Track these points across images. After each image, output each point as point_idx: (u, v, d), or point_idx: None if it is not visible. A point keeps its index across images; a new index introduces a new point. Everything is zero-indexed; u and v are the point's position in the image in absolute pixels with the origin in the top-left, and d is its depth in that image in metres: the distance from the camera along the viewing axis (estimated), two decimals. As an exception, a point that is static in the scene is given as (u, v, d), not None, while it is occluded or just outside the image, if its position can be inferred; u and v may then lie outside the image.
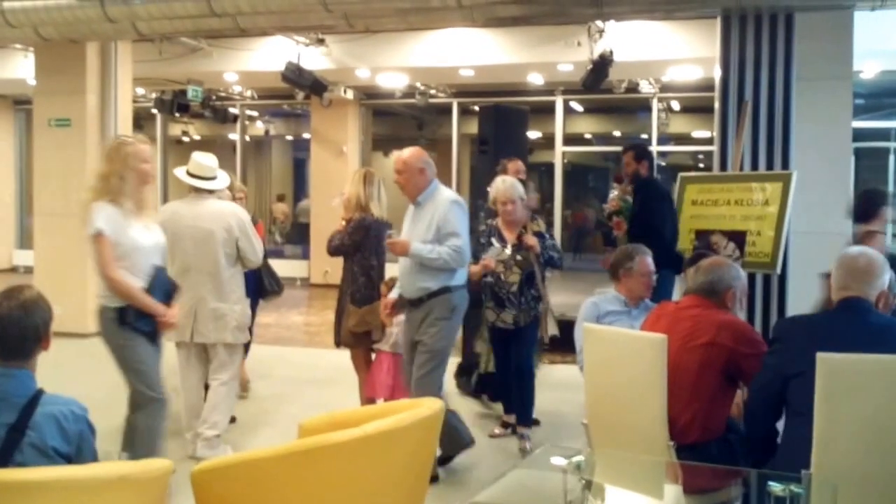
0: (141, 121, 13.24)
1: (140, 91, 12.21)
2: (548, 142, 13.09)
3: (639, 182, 5.94)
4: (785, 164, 6.29)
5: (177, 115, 11.42)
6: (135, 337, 3.87)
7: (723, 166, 6.49)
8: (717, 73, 6.60)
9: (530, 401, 5.22)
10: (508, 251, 5.08)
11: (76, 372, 5.06)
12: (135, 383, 3.90)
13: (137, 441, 3.83)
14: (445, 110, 13.54)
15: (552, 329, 5.28)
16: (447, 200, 4.40)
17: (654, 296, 4.45)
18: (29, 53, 10.00)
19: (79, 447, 2.34)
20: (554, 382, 6.41)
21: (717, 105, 6.58)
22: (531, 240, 5.06)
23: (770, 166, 6.33)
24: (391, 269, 5.18)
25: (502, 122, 7.37)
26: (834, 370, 2.69)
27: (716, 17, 6.59)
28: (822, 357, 2.68)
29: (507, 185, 5.12)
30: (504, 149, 7.18)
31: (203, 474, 2.43)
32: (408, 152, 4.49)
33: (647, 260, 4.34)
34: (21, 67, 10.85)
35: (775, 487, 2.31)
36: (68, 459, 2.31)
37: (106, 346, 3.91)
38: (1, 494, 2.02)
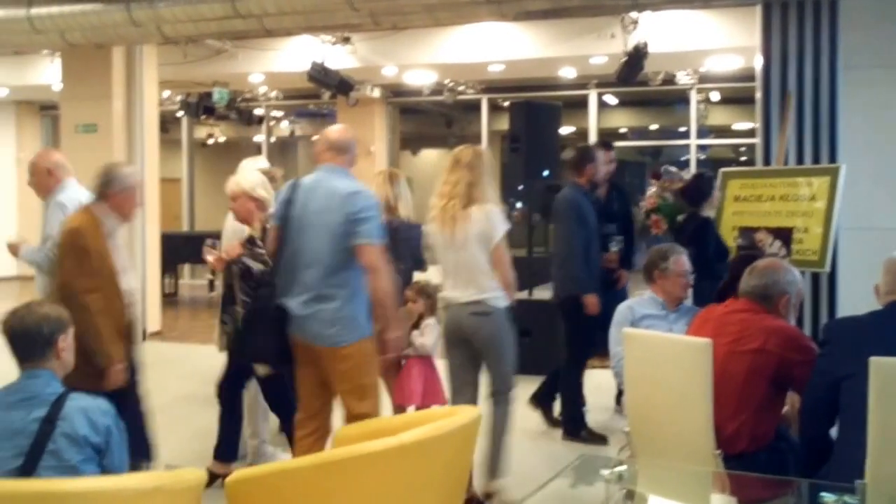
0: (167, 124, 13.27)
1: (165, 94, 12.22)
2: (581, 137, 12.89)
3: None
4: (832, 158, 6.10)
5: (202, 117, 11.42)
6: None
7: (766, 160, 6.28)
8: (758, 63, 6.40)
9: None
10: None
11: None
12: (509, 377, 4.13)
13: (504, 430, 4.13)
14: (474, 107, 13.40)
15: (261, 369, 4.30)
16: (52, 202, 4.43)
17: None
18: (55, 59, 10.03)
19: (107, 441, 2.48)
20: (591, 387, 6.22)
21: (759, 96, 6.38)
22: (232, 247, 4.32)
23: (816, 160, 6.14)
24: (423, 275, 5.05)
25: (534, 118, 7.21)
26: (888, 374, 2.58)
27: (756, 5, 6.39)
28: (875, 361, 2.57)
29: (236, 176, 4.49)
30: (536, 146, 7.03)
31: (237, 484, 2.40)
32: (36, 154, 4.66)
33: (682, 259, 4.20)
34: (47, 73, 10.90)
35: (828, 499, 2.26)
36: (98, 450, 2.45)
37: (495, 344, 4.07)
38: (37, 505, 2.06)
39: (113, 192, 3.91)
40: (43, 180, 4.55)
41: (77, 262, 3.74)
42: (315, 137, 17.42)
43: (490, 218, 4.00)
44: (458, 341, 4.14)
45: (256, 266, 4.22)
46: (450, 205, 4.06)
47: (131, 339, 4.04)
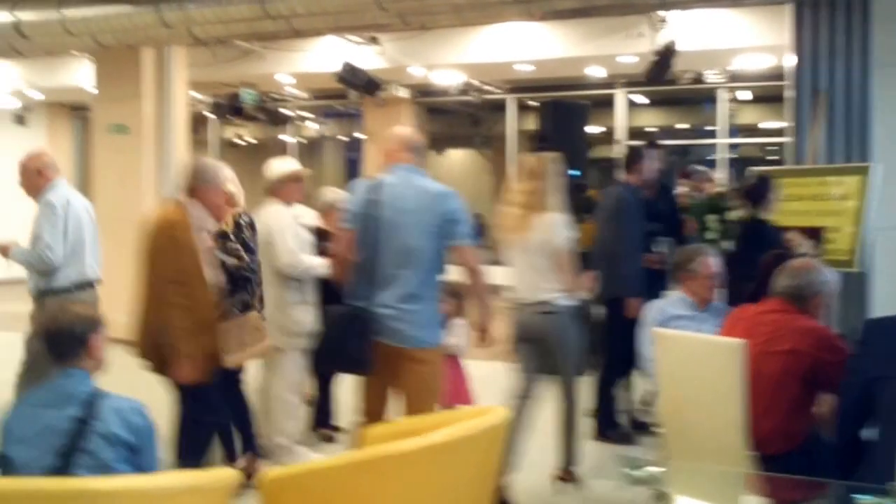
0: (195, 124, 13.38)
1: (195, 95, 12.32)
2: (608, 137, 12.80)
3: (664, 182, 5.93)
4: (864, 157, 5.99)
5: (231, 118, 11.48)
6: None
7: (797, 159, 6.20)
8: (789, 62, 6.32)
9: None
10: None
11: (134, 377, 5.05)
12: (572, 373, 4.35)
13: (573, 423, 4.36)
14: (501, 107, 13.35)
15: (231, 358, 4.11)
16: (41, 202, 4.53)
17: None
18: (85, 61, 10.13)
19: (140, 440, 2.51)
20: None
21: (790, 95, 6.29)
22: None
23: (848, 159, 6.03)
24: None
25: (562, 117, 7.22)
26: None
27: (787, 3, 6.30)
28: (910, 363, 2.54)
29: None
30: (564, 145, 7.00)
31: (270, 483, 2.45)
32: (26, 155, 4.67)
33: (709, 261, 4.20)
34: (78, 75, 11.02)
35: (862, 500, 2.24)
36: (131, 449, 2.48)
37: (559, 342, 4.29)
38: (71, 503, 2.11)
39: (202, 187, 3.91)
40: (33, 180, 4.60)
41: (163, 253, 3.73)
42: (341, 137, 17.38)
43: (553, 226, 4.23)
44: (526, 339, 4.37)
45: (229, 260, 4.22)
46: (516, 212, 4.31)
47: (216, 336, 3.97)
